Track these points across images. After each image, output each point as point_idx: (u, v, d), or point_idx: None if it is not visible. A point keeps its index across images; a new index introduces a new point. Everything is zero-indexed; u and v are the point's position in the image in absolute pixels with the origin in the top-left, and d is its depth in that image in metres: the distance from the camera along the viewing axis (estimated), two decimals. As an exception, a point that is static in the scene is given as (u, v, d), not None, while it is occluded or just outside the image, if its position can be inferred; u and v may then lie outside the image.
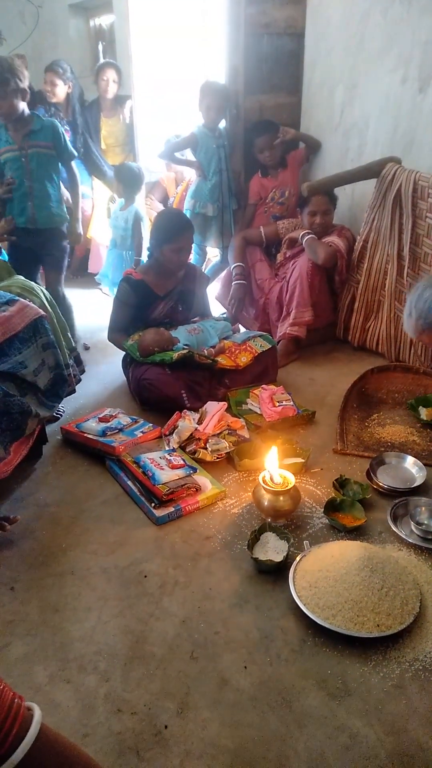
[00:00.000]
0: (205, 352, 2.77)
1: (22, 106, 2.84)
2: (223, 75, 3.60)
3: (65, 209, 3.15)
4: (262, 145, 3.53)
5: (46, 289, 2.49)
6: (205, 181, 3.66)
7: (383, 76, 3.09)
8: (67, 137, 3.11)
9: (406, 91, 2.98)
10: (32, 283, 2.35)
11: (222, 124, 3.67)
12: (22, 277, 2.40)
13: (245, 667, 1.49)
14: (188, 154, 3.78)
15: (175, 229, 2.82)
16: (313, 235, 3.19)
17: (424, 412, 2.58)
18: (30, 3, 5.65)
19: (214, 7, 4.22)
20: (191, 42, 4.45)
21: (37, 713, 0.80)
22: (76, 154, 3.20)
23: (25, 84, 2.81)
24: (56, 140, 2.97)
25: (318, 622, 1.56)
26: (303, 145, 3.69)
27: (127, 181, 3.80)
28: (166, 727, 1.35)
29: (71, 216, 3.19)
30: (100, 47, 5.52)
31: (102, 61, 4.81)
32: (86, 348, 3.40)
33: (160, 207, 4.54)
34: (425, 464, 2.23)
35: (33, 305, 2.03)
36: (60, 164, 3.07)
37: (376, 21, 3.04)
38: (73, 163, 3.16)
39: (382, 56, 3.07)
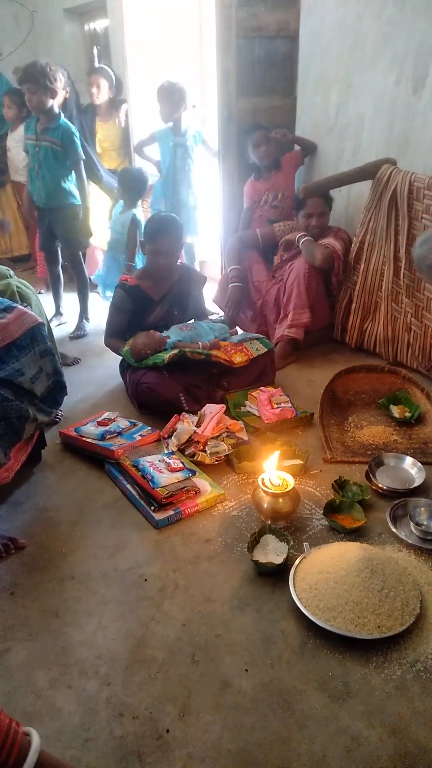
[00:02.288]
0: (199, 345, 2.76)
1: (51, 103, 3.35)
2: (215, 78, 3.61)
3: (72, 197, 3.59)
4: (258, 138, 3.54)
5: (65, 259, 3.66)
6: (161, 178, 3.94)
7: (378, 78, 3.10)
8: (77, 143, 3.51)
9: (400, 93, 2.99)
10: (28, 289, 2.36)
11: (185, 121, 3.84)
12: (20, 281, 2.41)
13: (246, 670, 1.49)
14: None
15: (151, 233, 2.83)
16: (309, 238, 3.20)
17: (395, 410, 2.61)
18: (24, 8, 5.66)
19: (207, 11, 4.23)
20: (186, 45, 4.46)
21: (35, 740, 0.78)
22: (83, 157, 3.57)
23: (56, 85, 3.30)
24: (65, 141, 3.43)
25: (318, 624, 1.56)
26: (298, 147, 3.70)
27: (129, 186, 3.81)
28: (167, 731, 1.35)
29: (83, 207, 3.63)
30: (95, 51, 5.53)
31: (94, 66, 4.82)
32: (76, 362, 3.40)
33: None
34: (423, 463, 2.24)
35: (31, 312, 2.03)
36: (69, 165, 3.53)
37: (370, 23, 3.05)
38: (81, 166, 3.55)
39: (376, 58, 3.08)
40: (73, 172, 3.57)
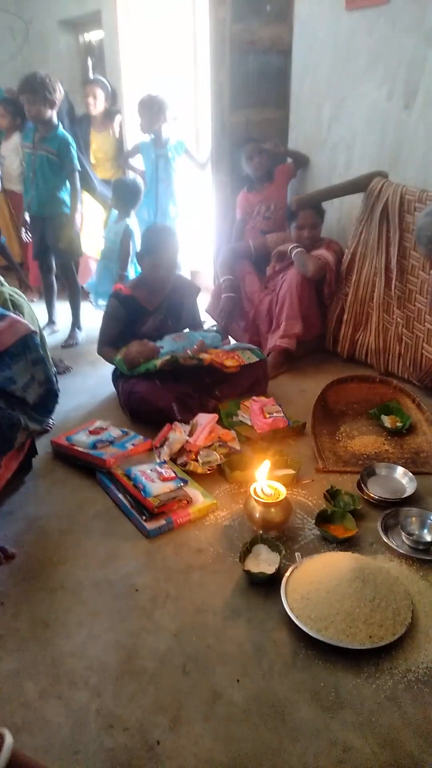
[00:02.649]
0: (189, 353, 2.76)
1: (50, 114, 3.41)
2: (208, 91, 3.65)
3: (66, 206, 3.62)
4: (251, 150, 3.57)
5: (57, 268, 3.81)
6: (145, 188, 3.97)
7: (370, 92, 3.14)
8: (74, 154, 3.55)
9: (392, 107, 3.02)
10: (20, 298, 2.36)
11: (165, 132, 3.92)
12: (13, 289, 2.41)
13: (238, 681, 1.49)
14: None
15: (153, 244, 2.84)
16: (301, 249, 3.22)
17: (387, 420, 2.62)
18: (19, 19, 5.70)
19: (201, 24, 4.28)
20: (181, 57, 4.50)
21: (8, 739, 0.76)
22: (78, 168, 3.60)
23: (54, 96, 3.36)
24: (61, 151, 3.49)
25: (310, 634, 1.55)
26: (290, 160, 3.73)
27: (122, 196, 3.82)
28: (158, 742, 1.34)
29: (70, 216, 3.63)
30: (90, 63, 5.56)
31: (90, 77, 4.86)
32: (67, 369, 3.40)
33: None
34: (414, 473, 2.24)
35: (23, 321, 2.03)
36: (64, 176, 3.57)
37: (362, 38, 3.10)
38: (76, 176, 3.58)
39: (368, 73, 3.12)
40: (67, 182, 3.59)
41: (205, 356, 2.72)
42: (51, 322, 4.06)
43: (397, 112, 3.00)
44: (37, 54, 5.72)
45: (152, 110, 3.83)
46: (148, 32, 4.43)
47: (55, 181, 3.57)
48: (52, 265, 3.92)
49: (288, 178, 3.72)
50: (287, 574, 1.75)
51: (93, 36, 5.39)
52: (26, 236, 3.91)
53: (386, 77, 3.02)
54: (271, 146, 3.57)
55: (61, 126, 3.55)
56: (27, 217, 3.83)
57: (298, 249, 3.22)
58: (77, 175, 3.60)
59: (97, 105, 4.37)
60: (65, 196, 3.62)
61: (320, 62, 3.42)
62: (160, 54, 4.50)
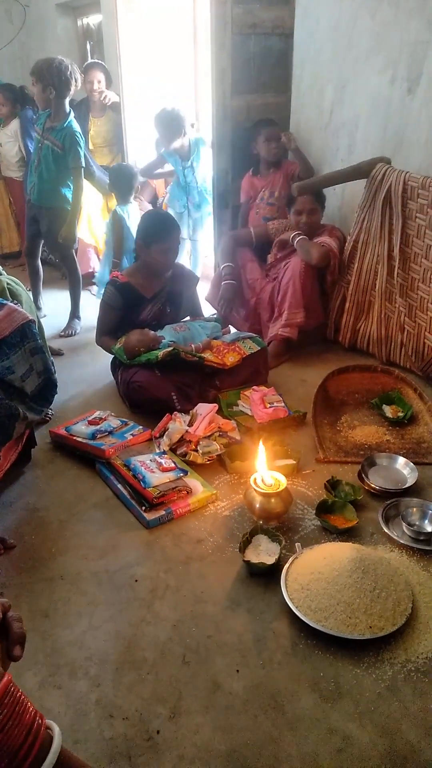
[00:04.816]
0: (192, 347, 2.75)
1: (58, 103, 3.38)
2: (210, 75, 3.60)
3: (65, 201, 3.57)
4: (270, 134, 3.51)
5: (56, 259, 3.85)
6: (174, 182, 4.05)
7: (372, 77, 3.09)
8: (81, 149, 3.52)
9: (395, 92, 2.98)
10: (18, 286, 2.34)
11: (180, 144, 3.81)
12: (10, 278, 2.39)
13: (237, 671, 1.49)
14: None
15: (162, 230, 2.82)
16: (304, 236, 3.19)
17: (388, 410, 2.61)
18: (17, 2, 5.62)
19: (202, 7, 4.22)
20: (180, 41, 4.44)
21: (57, 737, 0.72)
22: (83, 165, 3.55)
23: (69, 84, 3.32)
24: (66, 144, 3.44)
25: (310, 624, 1.55)
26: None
27: (119, 183, 3.80)
28: (158, 732, 1.35)
29: (70, 213, 3.58)
30: (88, 46, 5.50)
31: (89, 61, 4.80)
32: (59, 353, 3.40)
33: (149, 207, 4.52)
34: (416, 463, 2.24)
35: (21, 309, 2.01)
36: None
37: (365, 22, 3.04)
38: (81, 173, 3.54)
39: (371, 57, 3.07)
40: (71, 176, 3.53)
41: (207, 356, 2.71)
42: (37, 308, 4.03)
43: (401, 96, 2.95)
44: (36, 38, 5.65)
45: (171, 128, 3.72)
46: (147, 16, 4.36)
47: (57, 174, 3.51)
48: (39, 250, 3.89)
49: (291, 176, 3.64)
50: (287, 564, 1.74)
51: (91, 20, 5.32)
52: None
53: (389, 62, 2.97)
54: (284, 139, 3.52)
55: (72, 116, 3.48)
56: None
57: (301, 236, 3.19)
58: (82, 171, 3.54)
59: (101, 88, 4.33)
60: (67, 191, 3.56)
61: (322, 46, 3.36)
62: (159, 38, 4.43)
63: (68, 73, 3.31)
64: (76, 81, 3.40)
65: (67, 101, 3.44)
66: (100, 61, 4.53)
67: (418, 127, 2.91)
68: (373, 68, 3.07)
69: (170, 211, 4.01)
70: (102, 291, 3.85)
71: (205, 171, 3.96)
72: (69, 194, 3.57)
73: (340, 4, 3.16)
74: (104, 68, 4.38)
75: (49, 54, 3.70)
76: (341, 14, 3.18)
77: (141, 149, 4.51)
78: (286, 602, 1.62)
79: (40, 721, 0.72)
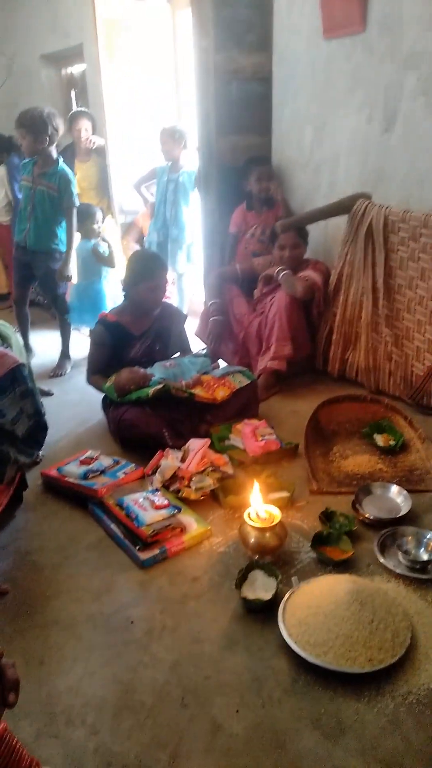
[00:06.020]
0: (183, 383, 2.77)
1: (48, 149, 3.46)
2: (195, 119, 3.72)
3: (60, 242, 3.67)
4: (261, 174, 3.62)
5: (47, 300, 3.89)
6: (155, 214, 4.25)
7: (350, 116, 3.20)
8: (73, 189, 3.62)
9: (372, 130, 3.08)
10: (8, 329, 2.36)
11: (183, 160, 4.10)
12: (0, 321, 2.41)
13: (237, 711, 1.46)
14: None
15: (149, 268, 2.88)
16: (288, 271, 3.25)
17: (379, 439, 2.62)
18: (2, 54, 5.80)
19: (184, 54, 4.38)
20: (163, 87, 4.58)
21: None
22: (77, 204, 3.65)
23: (54, 132, 3.42)
24: (61, 187, 3.53)
25: (309, 660, 1.53)
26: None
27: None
28: (158, 779, 1.31)
29: (65, 254, 3.67)
30: (73, 94, 5.65)
31: (75, 109, 4.95)
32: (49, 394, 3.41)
33: (136, 247, 4.60)
34: (409, 491, 2.24)
35: (11, 353, 2.03)
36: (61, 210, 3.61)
37: (341, 66, 3.17)
38: (74, 213, 3.63)
39: (348, 98, 3.18)
40: (63, 217, 3.62)
41: (197, 392, 2.72)
42: (27, 350, 4.03)
43: (378, 134, 3.05)
44: (21, 87, 5.80)
45: (173, 137, 4.05)
46: (129, 63, 4.51)
47: (54, 216, 3.60)
48: (28, 297, 3.93)
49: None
50: (284, 599, 1.73)
51: (75, 69, 5.48)
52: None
53: (365, 102, 3.08)
54: (273, 187, 3.62)
55: (61, 161, 3.59)
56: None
57: (285, 271, 3.25)
58: (75, 211, 3.63)
59: (88, 135, 4.48)
60: (61, 232, 3.65)
61: (300, 89, 3.48)
62: (141, 83, 4.58)
63: (56, 121, 3.43)
64: (60, 127, 3.52)
65: (54, 147, 3.54)
66: (86, 110, 4.67)
67: (396, 162, 3.00)
68: (351, 108, 3.18)
69: (149, 240, 4.23)
70: (74, 316, 3.98)
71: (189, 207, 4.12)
72: (63, 235, 3.65)
73: (315, 48, 3.29)
74: (90, 116, 4.53)
75: (35, 102, 3.81)
76: (317, 58, 3.30)
77: (126, 191, 4.61)
78: (284, 638, 1.60)
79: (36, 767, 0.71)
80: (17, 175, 4.46)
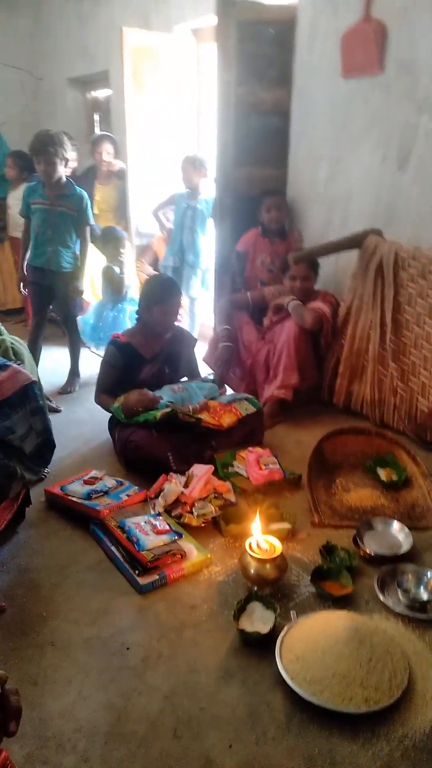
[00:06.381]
0: (190, 408, 2.78)
1: (62, 171, 3.48)
2: (214, 149, 3.79)
3: (76, 262, 3.71)
4: (271, 204, 3.67)
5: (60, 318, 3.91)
6: (172, 239, 4.38)
7: (365, 154, 3.26)
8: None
9: (386, 169, 3.14)
10: (21, 346, 2.39)
11: (202, 188, 4.25)
12: (14, 338, 2.44)
13: (230, 746, 1.45)
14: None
15: (164, 293, 2.93)
16: (298, 302, 3.28)
17: (382, 473, 2.62)
18: (31, 75, 5.95)
19: (207, 85, 4.49)
20: (184, 116, 4.68)
21: None
22: (92, 223, 3.75)
23: (67, 155, 3.47)
24: (80, 207, 3.60)
25: (305, 697, 1.52)
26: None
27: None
28: None
29: (78, 271, 3.71)
30: (96, 117, 5.78)
31: (98, 133, 5.06)
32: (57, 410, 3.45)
33: (151, 270, 4.66)
34: (410, 528, 2.23)
35: (24, 371, 2.05)
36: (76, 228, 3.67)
37: (358, 105, 3.24)
38: (88, 231, 3.70)
39: (364, 136, 3.25)
40: (77, 236, 3.68)
41: (204, 417, 2.74)
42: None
43: (391, 173, 3.11)
44: (46, 108, 5.94)
45: (194, 165, 4.20)
46: (153, 91, 4.62)
47: (72, 236, 3.66)
48: (45, 325, 3.87)
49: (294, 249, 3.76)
50: (282, 633, 1.72)
51: (100, 93, 5.61)
52: (23, 290, 3.85)
53: (381, 142, 3.14)
54: (284, 218, 3.70)
55: (73, 182, 3.65)
56: (25, 270, 3.75)
57: (295, 301, 3.29)
58: (89, 229, 3.70)
59: (107, 159, 4.60)
60: (77, 250, 3.71)
61: (317, 125, 3.56)
62: (164, 111, 4.68)
63: (66, 143, 3.50)
64: (72, 151, 3.64)
65: (66, 170, 3.60)
66: (109, 134, 4.78)
67: (409, 201, 3.05)
68: (366, 146, 3.24)
69: (164, 264, 4.35)
70: (92, 334, 4.09)
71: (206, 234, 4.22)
72: (75, 262, 3.70)
73: (334, 86, 3.37)
74: (113, 140, 4.64)
75: (60, 123, 3.91)
76: (335, 96, 3.38)
77: (144, 214, 4.68)
78: (280, 673, 1.59)
79: None
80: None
